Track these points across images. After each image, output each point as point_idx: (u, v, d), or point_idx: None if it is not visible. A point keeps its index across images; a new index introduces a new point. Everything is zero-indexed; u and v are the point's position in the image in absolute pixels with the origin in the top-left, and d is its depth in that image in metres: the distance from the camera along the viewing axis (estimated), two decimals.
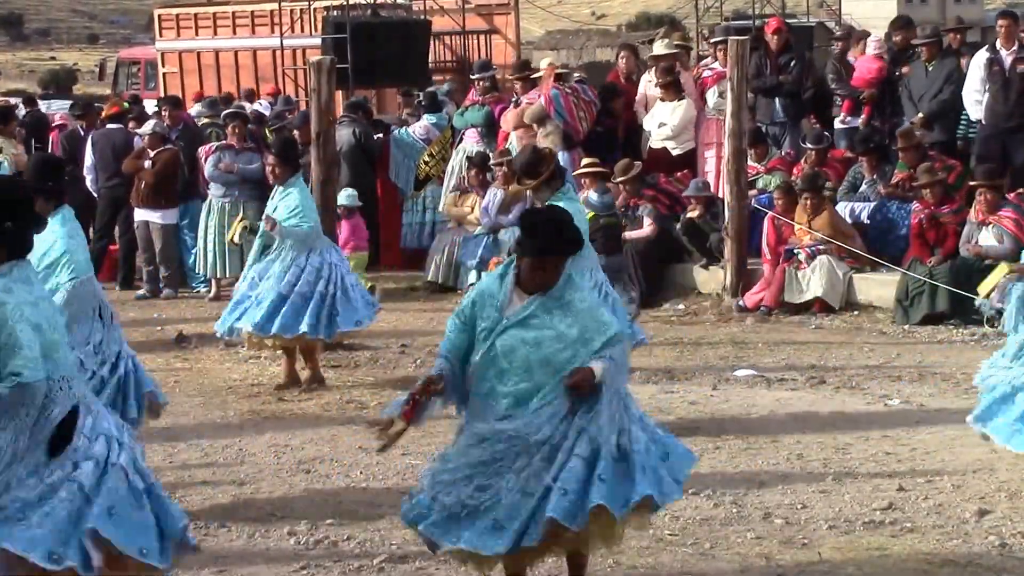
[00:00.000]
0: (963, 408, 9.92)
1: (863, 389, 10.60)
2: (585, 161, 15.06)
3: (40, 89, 36.35)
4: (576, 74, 17.81)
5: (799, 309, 13.65)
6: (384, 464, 8.85)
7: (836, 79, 15.79)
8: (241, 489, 8.40)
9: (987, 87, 14.15)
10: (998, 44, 14.26)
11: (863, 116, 15.55)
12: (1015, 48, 14.15)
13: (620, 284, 14.58)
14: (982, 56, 14.25)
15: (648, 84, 15.84)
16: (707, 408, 10.13)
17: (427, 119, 17.23)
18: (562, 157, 15.23)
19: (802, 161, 15.15)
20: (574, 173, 15.11)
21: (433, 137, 16.89)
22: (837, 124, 15.90)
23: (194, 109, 20.19)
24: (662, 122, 15.53)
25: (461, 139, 16.87)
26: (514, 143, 16.11)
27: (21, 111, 20.60)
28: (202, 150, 16.14)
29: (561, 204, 9.09)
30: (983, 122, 14.23)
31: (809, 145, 14.98)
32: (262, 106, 21.46)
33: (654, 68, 15.80)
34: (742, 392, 10.59)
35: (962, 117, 14.56)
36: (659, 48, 16.15)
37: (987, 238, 12.90)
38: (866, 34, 16.94)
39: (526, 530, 5.94)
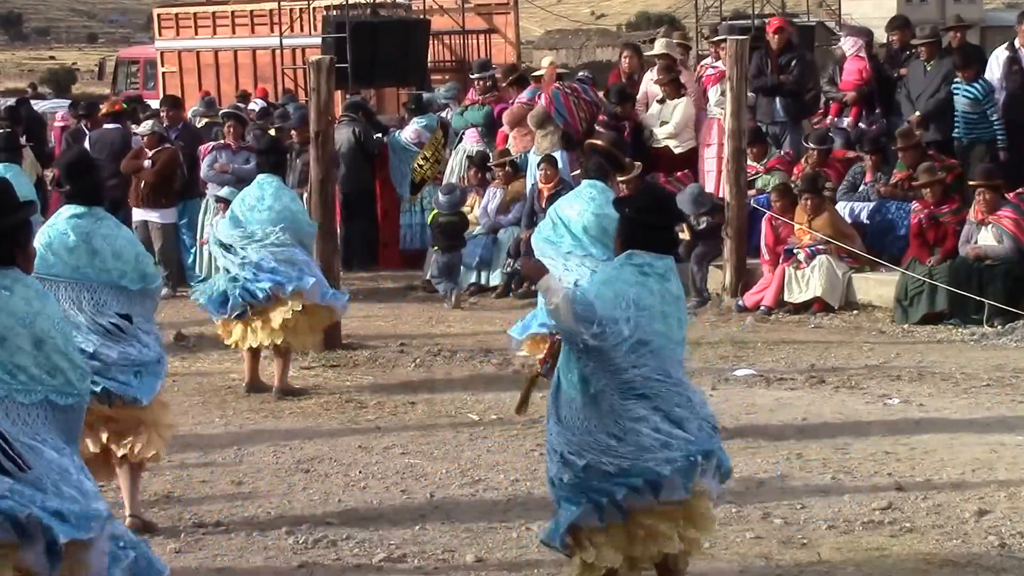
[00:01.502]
0: (962, 407, 9.95)
1: (862, 389, 10.60)
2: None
3: (30, 90, 36.05)
4: (580, 73, 17.81)
5: (799, 309, 13.65)
6: (383, 463, 8.86)
7: (830, 81, 15.79)
8: (240, 489, 8.40)
9: (1004, 85, 14.13)
10: (1017, 43, 14.24)
11: (850, 118, 15.56)
12: None
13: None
14: (1002, 55, 14.23)
15: (650, 83, 15.83)
16: None
17: (415, 123, 17.19)
18: (561, 157, 15.27)
19: (802, 161, 15.14)
20: (572, 174, 15.14)
21: (424, 140, 16.89)
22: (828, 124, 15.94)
23: (192, 109, 20.21)
24: (664, 120, 15.52)
25: (461, 139, 16.87)
26: (511, 143, 16.14)
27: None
28: (202, 149, 16.16)
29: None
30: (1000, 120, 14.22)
31: (812, 145, 14.97)
32: (258, 106, 21.46)
33: (656, 67, 15.78)
34: (742, 392, 10.59)
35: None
36: (660, 47, 16.15)
37: (986, 238, 12.90)
38: (864, 31, 16.90)
39: None
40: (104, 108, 17.61)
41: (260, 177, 10.96)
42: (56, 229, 7.41)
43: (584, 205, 9.40)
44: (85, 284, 7.34)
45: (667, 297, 6.09)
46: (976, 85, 14.15)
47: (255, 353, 10.92)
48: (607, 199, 9.21)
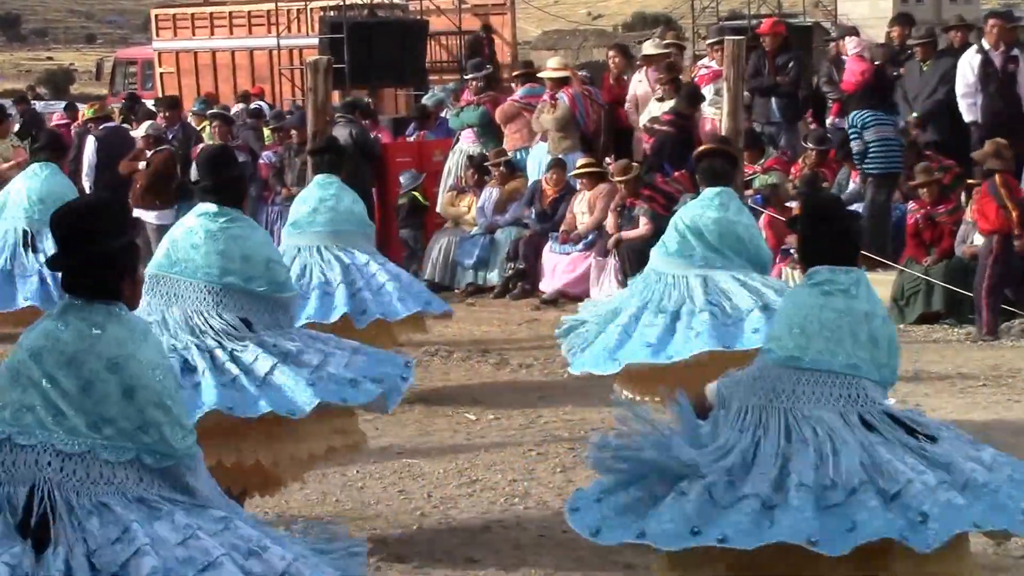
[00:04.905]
0: (959, 407, 9.96)
1: None
2: (581, 162, 15.09)
3: (29, 92, 35.82)
4: (581, 73, 17.83)
5: None
6: (381, 463, 8.87)
7: (827, 81, 15.77)
8: None
9: (979, 88, 14.14)
10: (985, 44, 14.25)
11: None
12: (1003, 48, 14.15)
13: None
14: (974, 58, 14.24)
15: (639, 83, 15.81)
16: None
17: None
18: (571, 160, 15.31)
19: (800, 161, 15.17)
20: (571, 174, 15.17)
21: None
22: (828, 125, 15.94)
23: (191, 109, 20.24)
24: None
25: (458, 140, 16.90)
26: (505, 141, 16.17)
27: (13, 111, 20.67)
28: (194, 150, 16.19)
29: (730, 213, 8.66)
30: (978, 122, 14.23)
31: (810, 145, 14.99)
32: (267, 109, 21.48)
33: (646, 68, 15.76)
34: None
35: None
36: (647, 48, 16.17)
37: (983, 238, 12.91)
38: (854, 31, 16.89)
39: None
40: (95, 111, 17.54)
41: (319, 178, 10.55)
42: (185, 226, 7.08)
43: (717, 214, 8.62)
44: (208, 285, 6.91)
45: (854, 315, 5.65)
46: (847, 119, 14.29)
47: None
48: (737, 207, 8.75)
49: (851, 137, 14.22)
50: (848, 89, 15.51)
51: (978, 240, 12.92)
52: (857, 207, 14.32)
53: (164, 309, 6.96)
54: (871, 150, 14.01)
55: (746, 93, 14.98)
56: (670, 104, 15.20)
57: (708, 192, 8.79)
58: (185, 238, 7.01)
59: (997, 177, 12.18)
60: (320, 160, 10.73)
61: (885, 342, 5.75)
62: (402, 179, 16.19)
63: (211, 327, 6.88)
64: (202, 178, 7.21)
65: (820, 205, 6.23)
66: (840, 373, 5.63)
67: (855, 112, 14.27)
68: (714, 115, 14.98)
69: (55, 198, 10.81)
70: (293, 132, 16.55)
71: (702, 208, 8.69)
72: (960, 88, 14.25)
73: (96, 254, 4.45)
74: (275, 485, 7.21)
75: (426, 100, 19.46)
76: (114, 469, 4.41)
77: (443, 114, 18.23)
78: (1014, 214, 12.12)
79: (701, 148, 9.33)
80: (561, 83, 15.67)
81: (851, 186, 14.56)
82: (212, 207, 7.05)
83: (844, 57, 16.04)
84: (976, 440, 5.92)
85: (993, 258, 12.20)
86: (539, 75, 16.33)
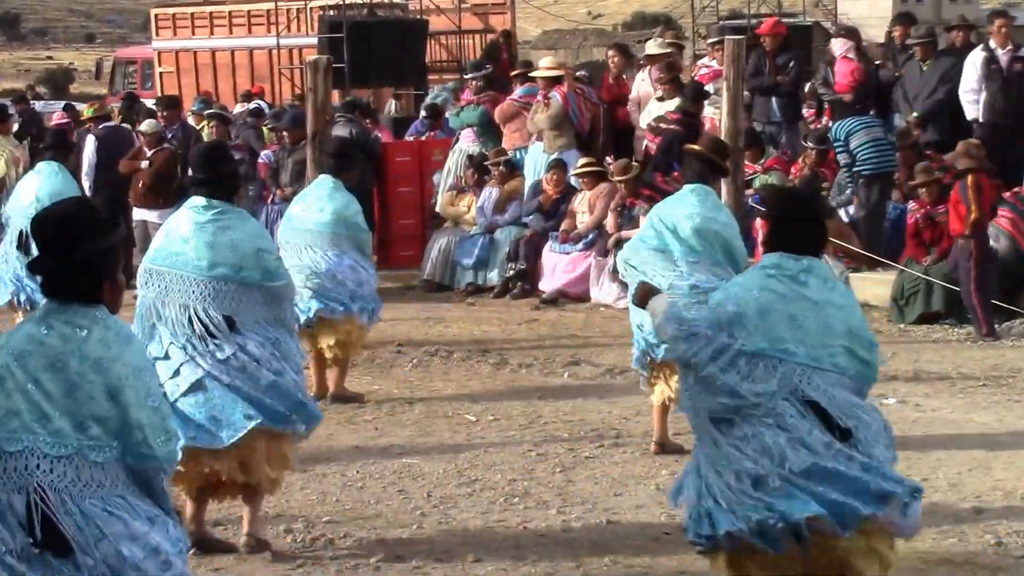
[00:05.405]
0: (959, 407, 9.96)
1: None
2: (581, 161, 15.08)
3: (28, 92, 35.74)
4: (579, 73, 17.82)
5: None
6: (381, 463, 8.87)
7: (823, 83, 15.76)
8: None
9: (984, 86, 14.15)
10: (992, 43, 14.27)
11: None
12: (1011, 47, 14.17)
13: None
14: (979, 56, 14.25)
15: (641, 83, 15.80)
16: None
17: None
18: (570, 158, 15.30)
19: (800, 161, 15.16)
20: (571, 173, 15.16)
21: None
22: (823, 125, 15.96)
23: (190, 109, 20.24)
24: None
25: (457, 139, 16.89)
26: (504, 140, 16.17)
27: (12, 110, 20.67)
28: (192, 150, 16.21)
29: (709, 207, 8.79)
30: (980, 121, 14.24)
31: (811, 145, 14.99)
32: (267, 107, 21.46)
33: (649, 67, 15.76)
34: None
35: None
36: (650, 48, 16.16)
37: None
38: (853, 31, 16.86)
39: None
40: (96, 111, 17.53)
41: (320, 178, 10.62)
42: (176, 219, 7.16)
43: (691, 209, 8.70)
44: (198, 278, 6.96)
45: (801, 301, 5.46)
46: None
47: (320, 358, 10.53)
48: (713, 203, 8.84)
49: (837, 150, 14.22)
50: (842, 91, 15.52)
51: None
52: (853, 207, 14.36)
53: (159, 306, 7.01)
54: (862, 152, 14.00)
55: (746, 93, 14.98)
56: (670, 103, 15.19)
57: (684, 189, 8.95)
58: (176, 231, 7.12)
59: (969, 177, 12.19)
60: (324, 160, 10.75)
61: (843, 330, 5.52)
62: (435, 179, 16.49)
63: (200, 323, 6.95)
64: (195, 172, 7.28)
65: (788, 195, 6.33)
66: (768, 356, 5.44)
67: (838, 123, 14.31)
68: (714, 114, 14.97)
69: (64, 198, 10.80)
70: (285, 133, 16.54)
71: (679, 204, 8.85)
72: (963, 85, 14.26)
73: (77, 259, 4.42)
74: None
75: (433, 99, 19.46)
76: (104, 470, 4.37)
77: (444, 114, 18.22)
78: (973, 215, 12.13)
79: (689, 146, 9.43)
80: (554, 82, 15.65)
81: (850, 187, 14.56)
82: (202, 200, 7.13)
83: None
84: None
85: (973, 260, 12.20)
86: (531, 75, 16.30)
